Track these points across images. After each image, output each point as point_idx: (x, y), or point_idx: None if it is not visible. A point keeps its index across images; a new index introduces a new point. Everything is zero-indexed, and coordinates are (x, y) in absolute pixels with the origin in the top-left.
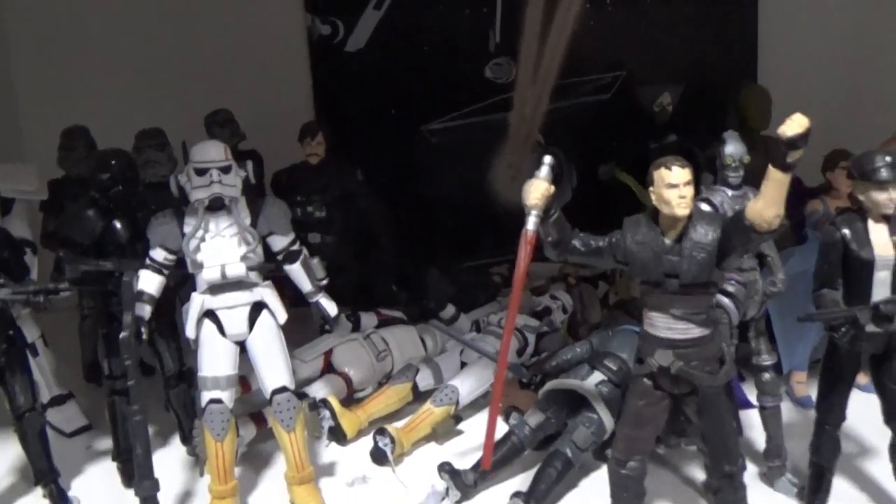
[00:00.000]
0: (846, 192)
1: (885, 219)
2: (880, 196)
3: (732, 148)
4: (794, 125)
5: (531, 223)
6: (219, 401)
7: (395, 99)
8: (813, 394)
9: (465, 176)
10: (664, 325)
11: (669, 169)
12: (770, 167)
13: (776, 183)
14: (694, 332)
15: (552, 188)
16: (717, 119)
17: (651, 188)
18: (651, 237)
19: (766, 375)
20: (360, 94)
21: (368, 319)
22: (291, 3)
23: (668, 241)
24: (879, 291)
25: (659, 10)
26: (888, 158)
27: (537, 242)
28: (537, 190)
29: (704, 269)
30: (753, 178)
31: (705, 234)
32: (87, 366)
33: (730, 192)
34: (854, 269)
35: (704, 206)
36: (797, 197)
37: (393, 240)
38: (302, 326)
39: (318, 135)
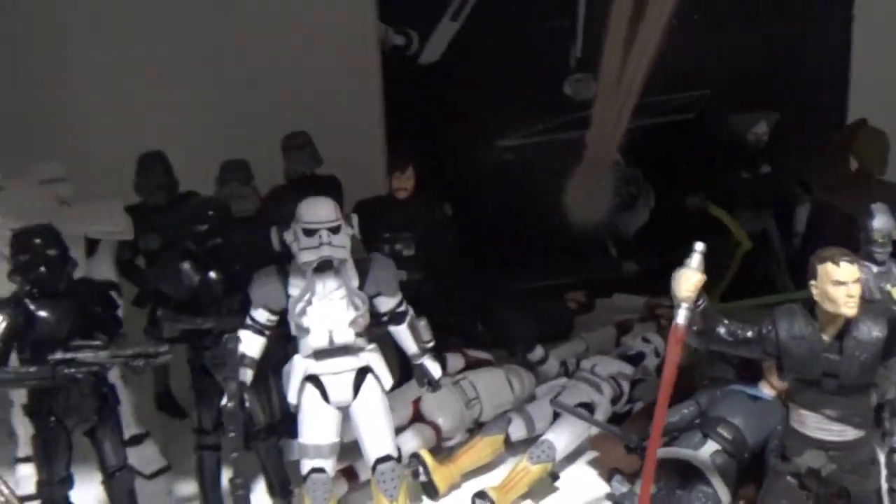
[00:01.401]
0: None
1: None
2: None
3: (881, 222)
4: None
5: (682, 317)
6: (321, 469)
7: (469, 114)
8: None
9: (539, 194)
10: (816, 425)
11: (837, 265)
12: None
13: None
14: (849, 434)
15: (703, 278)
16: (806, 151)
17: (812, 282)
18: (808, 332)
19: None
20: (433, 108)
21: (455, 361)
22: (364, 12)
23: (826, 338)
24: None
25: (747, 29)
26: None
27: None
28: (689, 281)
29: (867, 371)
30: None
31: (869, 332)
32: (158, 396)
33: (875, 269)
34: None
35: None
36: None
37: (473, 277)
38: None
39: (409, 169)
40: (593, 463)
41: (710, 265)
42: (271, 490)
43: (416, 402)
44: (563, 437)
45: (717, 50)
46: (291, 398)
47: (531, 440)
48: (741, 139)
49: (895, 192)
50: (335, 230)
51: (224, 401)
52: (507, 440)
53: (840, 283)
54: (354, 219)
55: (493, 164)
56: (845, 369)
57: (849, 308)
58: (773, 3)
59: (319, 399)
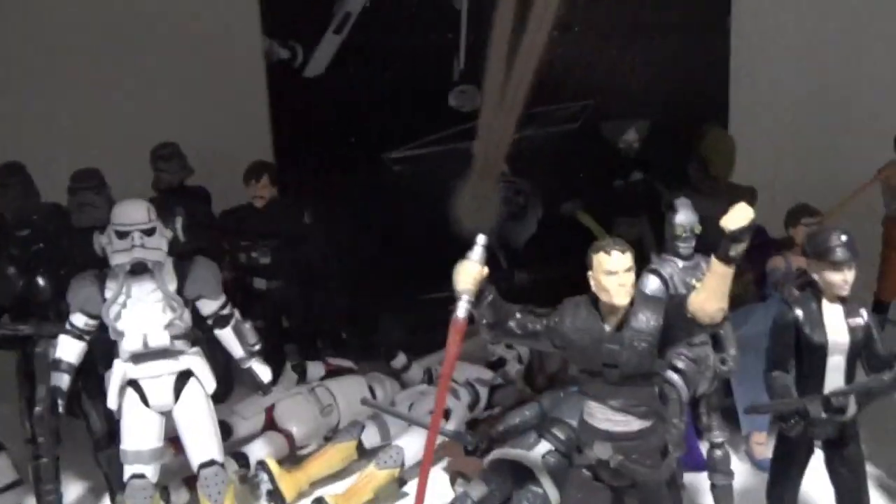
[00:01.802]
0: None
1: (841, 300)
2: (835, 277)
3: (683, 217)
4: (738, 217)
5: (462, 309)
6: (141, 476)
7: (355, 126)
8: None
9: (428, 205)
10: (603, 416)
11: (609, 254)
12: (713, 259)
13: (719, 276)
14: (634, 424)
15: (485, 270)
16: (686, 156)
17: (589, 273)
18: (590, 323)
19: (718, 452)
20: (319, 120)
21: (315, 370)
22: (248, 26)
23: (608, 329)
24: (832, 377)
25: (629, 40)
26: (843, 238)
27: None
28: (469, 273)
29: (646, 359)
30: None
31: (647, 322)
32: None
33: (680, 264)
34: (806, 352)
35: (653, 279)
36: (761, 250)
37: (342, 284)
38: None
39: (264, 177)
40: (447, 469)
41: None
42: (113, 500)
43: (270, 409)
44: (413, 442)
45: (600, 61)
46: (111, 403)
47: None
48: (613, 147)
49: (743, 193)
50: (149, 232)
51: (36, 407)
52: (360, 447)
53: (611, 272)
54: (179, 221)
55: (381, 176)
56: (625, 359)
57: (621, 297)
58: (655, 15)
59: (139, 403)
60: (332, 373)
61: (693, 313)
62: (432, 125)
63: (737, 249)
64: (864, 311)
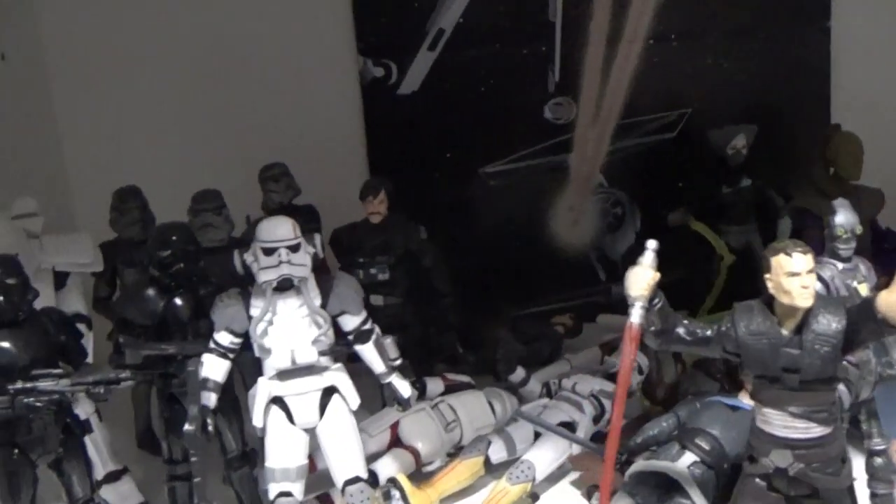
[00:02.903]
0: None
1: None
2: None
3: (843, 218)
4: None
5: (636, 315)
6: (288, 493)
7: (451, 142)
8: None
9: (525, 219)
10: (781, 422)
11: (790, 255)
12: None
13: None
14: (815, 430)
15: (657, 275)
16: (790, 162)
17: (767, 275)
18: (767, 327)
19: (879, 460)
20: (414, 137)
21: (434, 386)
22: (344, 46)
23: (785, 332)
24: None
25: (725, 46)
26: None
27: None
28: (642, 279)
29: (828, 364)
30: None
31: (829, 325)
32: (140, 433)
33: (840, 266)
34: None
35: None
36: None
37: (457, 300)
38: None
39: (381, 193)
40: (575, 483)
41: (697, 280)
42: None
43: (394, 426)
44: (543, 456)
45: (697, 68)
46: (256, 421)
47: (512, 462)
48: (720, 154)
49: (871, 195)
50: (294, 248)
51: (186, 426)
52: (487, 463)
53: (794, 274)
54: (317, 238)
55: (478, 191)
56: (806, 363)
57: (804, 299)
58: (751, 20)
59: (285, 421)
60: (451, 388)
61: (884, 314)
62: (528, 138)
63: None
64: None
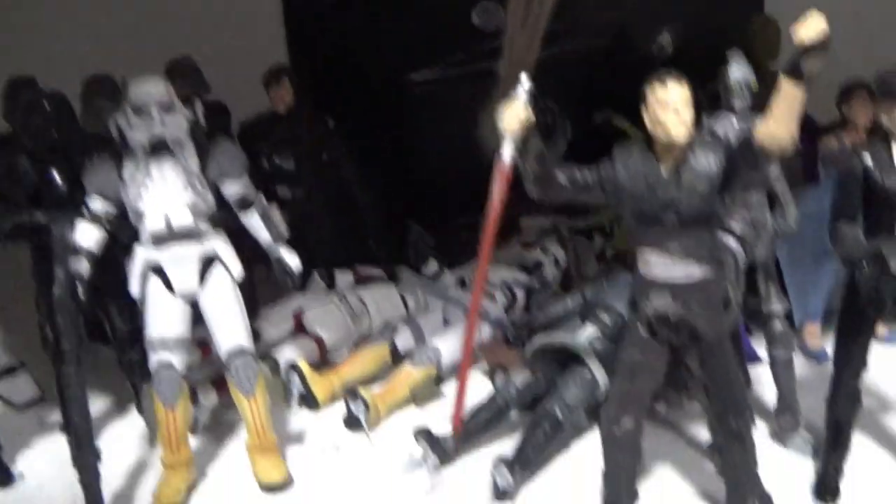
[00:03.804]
0: (864, 126)
1: None
2: None
3: (738, 71)
4: (812, 26)
5: (507, 152)
6: (169, 365)
7: (376, 49)
8: (828, 347)
9: (455, 128)
10: (661, 264)
11: (664, 84)
12: (782, 78)
13: (789, 97)
14: (695, 272)
15: (531, 116)
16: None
17: (644, 111)
18: (646, 167)
19: (777, 324)
20: (337, 41)
21: (344, 278)
22: None
23: (664, 172)
24: None
25: None
26: None
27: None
28: (514, 113)
29: (706, 202)
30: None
31: (707, 163)
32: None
33: (735, 120)
34: (877, 200)
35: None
36: (808, 134)
37: (368, 192)
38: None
39: (284, 79)
40: (481, 369)
41: None
42: (139, 405)
43: (298, 315)
44: (450, 341)
45: None
46: (134, 290)
47: None
48: (646, 54)
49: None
50: (167, 108)
51: (54, 289)
52: (394, 352)
53: (668, 104)
54: (199, 105)
55: (405, 99)
56: (685, 202)
57: (677, 130)
58: None
59: (163, 289)
60: (362, 281)
61: (762, 143)
62: (455, 45)
63: (811, 64)
64: None
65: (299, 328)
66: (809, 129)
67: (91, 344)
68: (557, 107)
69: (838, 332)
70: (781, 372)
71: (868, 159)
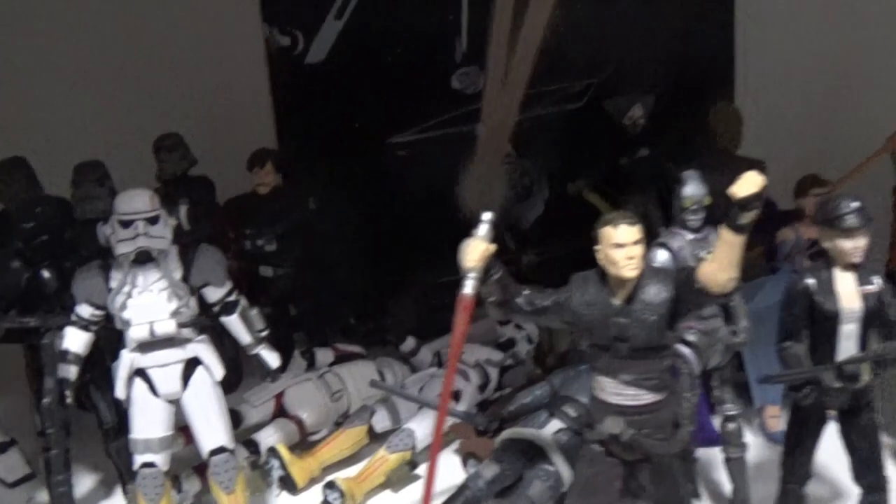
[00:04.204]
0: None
1: (853, 267)
2: (846, 244)
3: (691, 189)
4: (747, 185)
5: (469, 286)
6: (151, 464)
7: (359, 112)
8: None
9: (435, 189)
10: (613, 390)
11: (616, 227)
12: (722, 228)
13: (729, 245)
14: (645, 398)
15: (492, 247)
16: (693, 131)
17: (597, 247)
18: (599, 298)
19: (731, 426)
20: (322, 107)
21: (324, 356)
22: (248, 14)
23: (616, 303)
24: (846, 345)
25: (633, 16)
26: (854, 204)
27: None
28: (475, 251)
29: (655, 333)
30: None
31: (656, 295)
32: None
33: (689, 236)
34: (819, 321)
35: (662, 252)
36: (770, 222)
37: (350, 270)
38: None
39: (267, 163)
40: (457, 452)
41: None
42: (125, 491)
43: (279, 396)
44: (424, 426)
45: (603, 38)
46: (119, 393)
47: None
48: (618, 124)
49: (752, 165)
50: (152, 220)
51: (43, 398)
52: (371, 432)
53: (619, 245)
54: (182, 209)
55: (387, 161)
56: (634, 332)
57: (629, 270)
58: None
59: (147, 392)
60: (342, 358)
61: (703, 284)
62: (436, 108)
63: (746, 217)
64: (877, 279)
65: (280, 409)
66: (771, 216)
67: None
68: (536, 168)
69: (785, 443)
70: (735, 469)
71: (811, 281)
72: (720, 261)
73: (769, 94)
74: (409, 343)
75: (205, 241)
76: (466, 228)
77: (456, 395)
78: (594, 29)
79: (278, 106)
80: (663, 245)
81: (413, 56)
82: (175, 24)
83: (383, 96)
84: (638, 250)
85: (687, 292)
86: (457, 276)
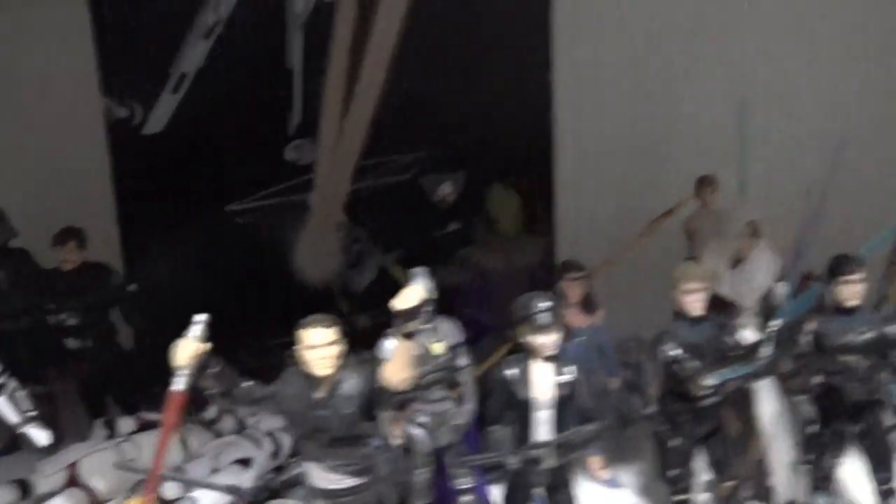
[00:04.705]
0: (572, 300)
1: (550, 358)
2: (539, 339)
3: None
4: (406, 298)
5: (178, 383)
6: None
7: (197, 182)
8: None
9: (270, 255)
10: (320, 475)
11: (307, 330)
12: (395, 334)
13: (399, 349)
14: (347, 482)
15: (203, 346)
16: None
17: (296, 347)
18: (301, 391)
19: (465, 498)
20: (161, 178)
21: (126, 425)
22: (87, 85)
23: (317, 396)
24: (541, 429)
25: (460, 93)
26: (545, 304)
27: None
28: (186, 350)
29: (353, 424)
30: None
31: (354, 388)
32: None
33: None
34: (516, 408)
35: (390, 342)
36: None
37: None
38: None
39: (70, 242)
40: None
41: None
42: None
43: (73, 465)
44: (210, 494)
45: (434, 114)
46: None
47: None
48: (429, 199)
49: (527, 248)
50: None
51: None
52: (161, 500)
53: (311, 347)
54: None
55: (225, 228)
56: (334, 424)
57: (321, 369)
58: (479, 70)
59: None
60: (145, 427)
61: (384, 382)
62: (270, 178)
63: (411, 326)
64: (573, 369)
65: (73, 479)
66: None
67: None
68: (367, 235)
69: None
70: None
71: (509, 372)
72: (395, 363)
73: (584, 172)
74: (211, 412)
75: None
76: (303, 291)
77: (247, 463)
78: (423, 105)
79: (117, 176)
80: (389, 335)
81: (248, 128)
82: (12, 93)
83: (220, 166)
84: (331, 350)
85: (375, 388)
86: (290, 339)
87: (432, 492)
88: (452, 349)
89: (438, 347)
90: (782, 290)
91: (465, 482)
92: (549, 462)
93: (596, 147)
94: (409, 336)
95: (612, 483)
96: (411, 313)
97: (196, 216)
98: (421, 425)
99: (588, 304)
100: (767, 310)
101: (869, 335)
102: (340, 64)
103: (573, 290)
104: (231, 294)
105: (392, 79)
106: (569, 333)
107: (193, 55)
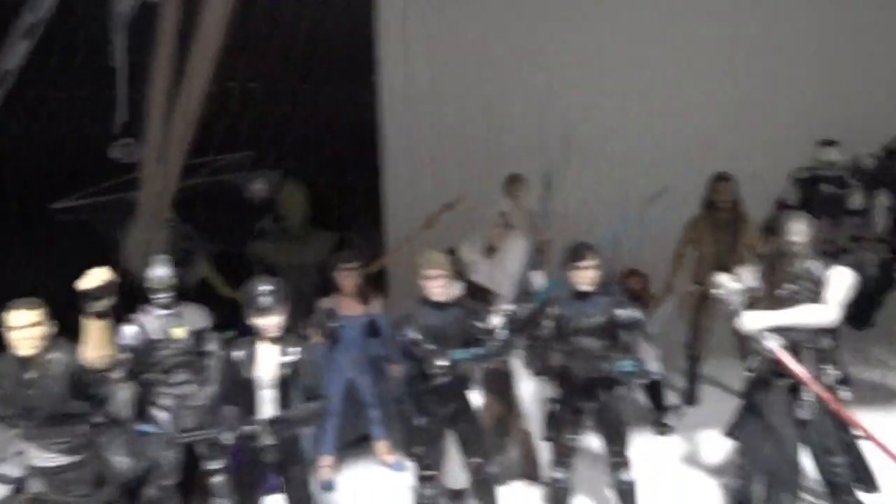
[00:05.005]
0: (347, 290)
1: (275, 340)
2: (260, 321)
3: (159, 272)
4: (91, 278)
5: None
6: None
7: (21, 181)
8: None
9: (99, 254)
10: (35, 453)
11: (10, 312)
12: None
13: (95, 329)
14: (62, 459)
15: None
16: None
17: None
18: (13, 371)
19: (214, 480)
20: None
21: None
22: None
23: (28, 376)
24: (266, 408)
25: (286, 95)
26: (266, 287)
27: None
28: None
29: (59, 403)
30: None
31: (62, 368)
32: None
33: (160, 312)
34: (242, 387)
35: (130, 328)
36: None
37: None
38: None
39: None
40: None
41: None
42: None
43: None
44: None
45: (260, 114)
46: None
47: None
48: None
49: (325, 239)
50: None
51: None
52: None
53: (12, 328)
54: None
55: (49, 227)
56: (45, 402)
57: (24, 349)
58: (306, 72)
59: None
60: None
61: (87, 364)
62: (96, 177)
63: (99, 305)
64: (297, 350)
65: None
66: None
67: None
68: (197, 233)
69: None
70: None
71: (236, 352)
72: (91, 342)
73: (411, 175)
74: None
75: None
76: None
77: None
78: (249, 104)
79: None
80: (134, 320)
81: (72, 128)
82: None
83: (45, 165)
84: (34, 332)
85: (79, 368)
86: None
87: (178, 473)
88: (196, 334)
89: (180, 332)
90: (538, 278)
91: (215, 463)
92: (267, 439)
93: (426, 143)
94: (101, 315)
95: (398, 466)
96: (97, 293)
97: (18, 214)
98: (164, 408)
99: (363, 294)
100: (523, 296)
101: (600, 318)
102: (165, 63)
103: (347, 280)
104: (60, 292)
105: (217, 79)
106: (342, 321)
107: (15, 54)
